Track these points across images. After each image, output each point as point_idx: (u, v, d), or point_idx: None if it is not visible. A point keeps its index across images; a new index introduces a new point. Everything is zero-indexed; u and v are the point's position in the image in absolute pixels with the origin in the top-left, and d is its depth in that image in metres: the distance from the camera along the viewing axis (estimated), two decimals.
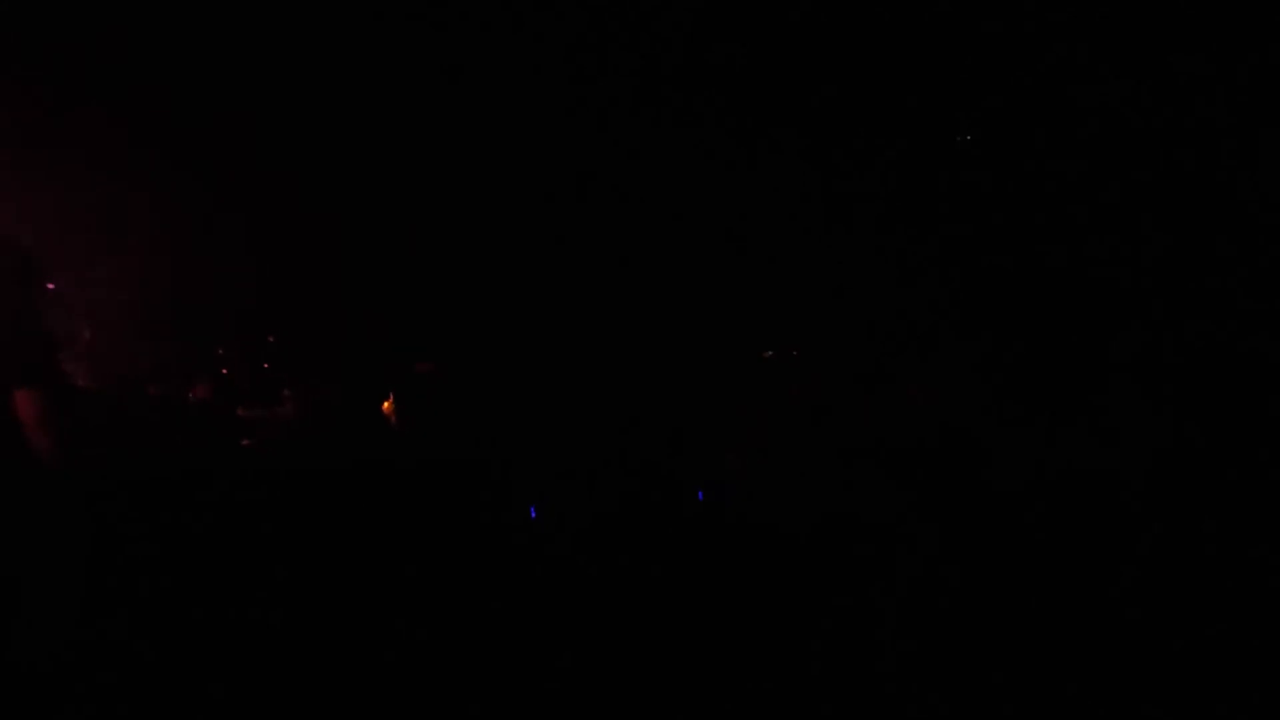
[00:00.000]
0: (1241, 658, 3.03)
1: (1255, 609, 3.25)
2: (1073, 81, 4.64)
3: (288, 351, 5.62)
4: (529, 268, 5.53)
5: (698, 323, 5.32)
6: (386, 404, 4.76)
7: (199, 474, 4.20)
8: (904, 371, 4.78)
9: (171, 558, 3.63)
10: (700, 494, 4.45)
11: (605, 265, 5.46)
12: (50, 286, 4.86)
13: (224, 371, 5.43)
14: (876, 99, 5.11)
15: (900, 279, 5.04)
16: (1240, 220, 4.27)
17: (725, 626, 3.46)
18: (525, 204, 5.51)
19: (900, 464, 4.31)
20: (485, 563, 3.97)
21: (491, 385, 5.15)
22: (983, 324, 4.75)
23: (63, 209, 5.09)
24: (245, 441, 4.81)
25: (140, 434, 4.45)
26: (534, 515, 4.44)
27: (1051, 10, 4.61)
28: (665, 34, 5.19)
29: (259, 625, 3.42)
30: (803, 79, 5.19)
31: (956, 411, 4.47)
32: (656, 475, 4.58)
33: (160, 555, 3.59)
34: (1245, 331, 4.12)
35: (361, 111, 5.38)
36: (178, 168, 5.47)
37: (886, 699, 3.00)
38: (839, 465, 4.43)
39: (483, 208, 5.55)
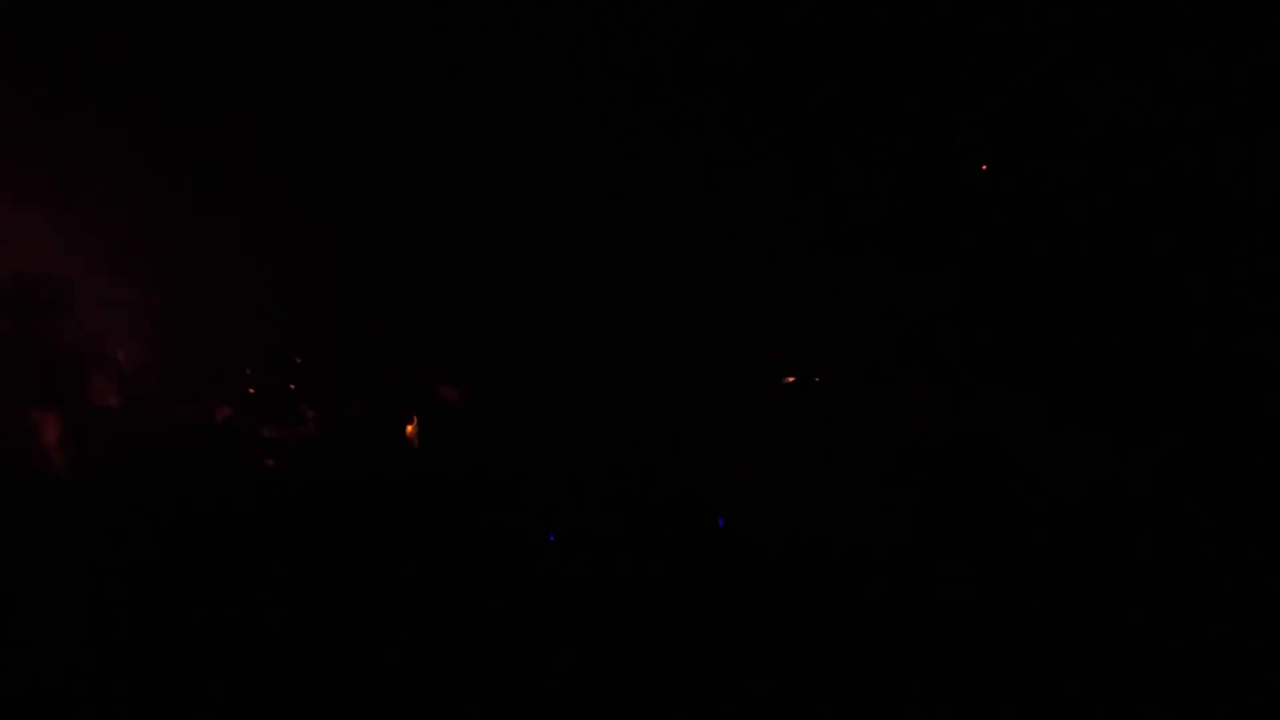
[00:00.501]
0: (1241, 658, 3.03)
1: (1255, 609, 3.26)
2: (1073, 81, 4.64)
3: (314, 369, 5.63)
4: (530, 271, 5.53)
5: (698, 323, 5.31)
6: (410, 427, 4.78)
7: (225, 489, 4.22)
8: (904, 371, 4.78)
9: (198, 570, 3.64)
10: (720, 521, 4.44)
11: (604, 266, 5.46)
12: (84, 313, 4.90)
13: (250, 390, 5.45)
14: (876, 99, 5.11)
15: (901, 279, 5.04)
16: (1240, 220, 4.27)
17: (725, 627, 3.46)
18: (524, 207, 5.51)
19: (901, 465, 4.32)
20: (485, 563, 3.97)
21: (492, 386, 5.15)
22: (984, 325, 4.75)
23: (95, 228, 5.10)
24: (270, 462, 4.85)
25: (169, 451, 4.47)
26: (534, 515, 4.43)
27: (1051, 10, 4.61)
28: (665, 34, 5.19)
29: (262, 626, 3.43)
30: (802, 79, 5.19)
31: (958, 413, 4.47)
32: (656, 475, 4.59)
33: (188, 568, 3.60)
34: (1245, 332, 4.12)
35: (365, 117, 5.38)
36: (204, 186, 5.47)
37: (887, 700, 3.01)
38: (840, 467, 4.43)
39: (482, 211, 5.55)
